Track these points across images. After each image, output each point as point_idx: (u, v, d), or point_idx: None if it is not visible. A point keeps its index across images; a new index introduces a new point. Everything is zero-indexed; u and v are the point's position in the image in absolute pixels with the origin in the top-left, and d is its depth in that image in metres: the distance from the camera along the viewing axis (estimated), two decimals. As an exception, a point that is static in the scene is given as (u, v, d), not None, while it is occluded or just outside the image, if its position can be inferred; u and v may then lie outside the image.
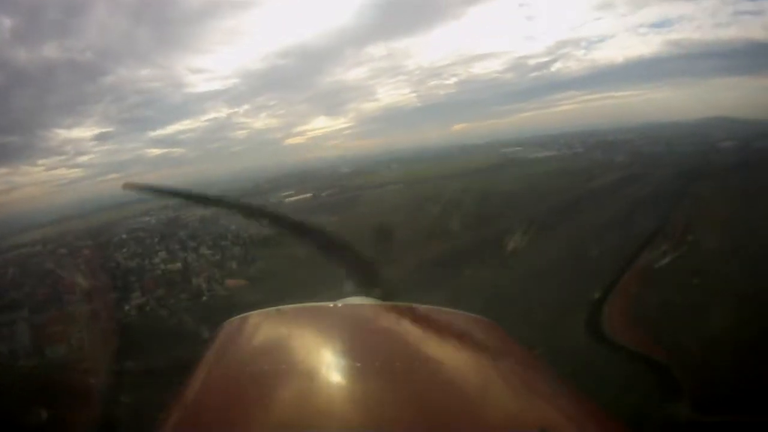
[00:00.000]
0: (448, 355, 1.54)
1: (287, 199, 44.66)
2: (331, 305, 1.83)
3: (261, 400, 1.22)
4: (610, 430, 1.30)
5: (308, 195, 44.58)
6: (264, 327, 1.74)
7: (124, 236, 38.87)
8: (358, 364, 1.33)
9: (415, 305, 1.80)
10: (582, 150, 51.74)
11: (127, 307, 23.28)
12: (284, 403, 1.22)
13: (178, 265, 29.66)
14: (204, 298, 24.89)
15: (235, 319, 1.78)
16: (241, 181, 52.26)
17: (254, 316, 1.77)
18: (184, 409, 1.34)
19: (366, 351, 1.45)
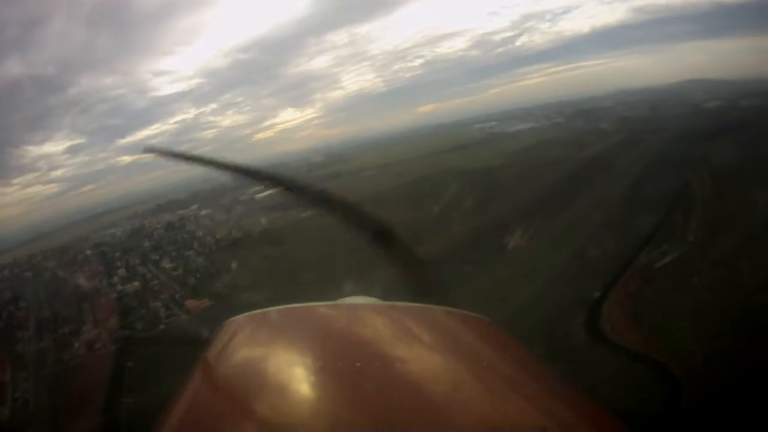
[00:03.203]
0: (447, 355, 1.52)
1: (257, 195, 42.55)
2: (331, 305, 1.79)
3: (261, 400, 1.21)
4: (610, 430, 1.28)
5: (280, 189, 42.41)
6: (264, 327, 1.70)
7: (88, 252, 37.30)
8: (358, 364, 1.32)
9: (415, 305, 1.76)
10: (562, 120, 50.84)
11: (76, 344, 21.68)
12: (284, 403, 1.19)
13: (136, 284, 28.02)
14: (161, 326, 23.25)
15: (235, 319, 1.72)
16: (211, 181, 50.32)
17: (254, 316, 1.73)
18: (183, 409, 1.33)
19: (366, 351, 1.43)
